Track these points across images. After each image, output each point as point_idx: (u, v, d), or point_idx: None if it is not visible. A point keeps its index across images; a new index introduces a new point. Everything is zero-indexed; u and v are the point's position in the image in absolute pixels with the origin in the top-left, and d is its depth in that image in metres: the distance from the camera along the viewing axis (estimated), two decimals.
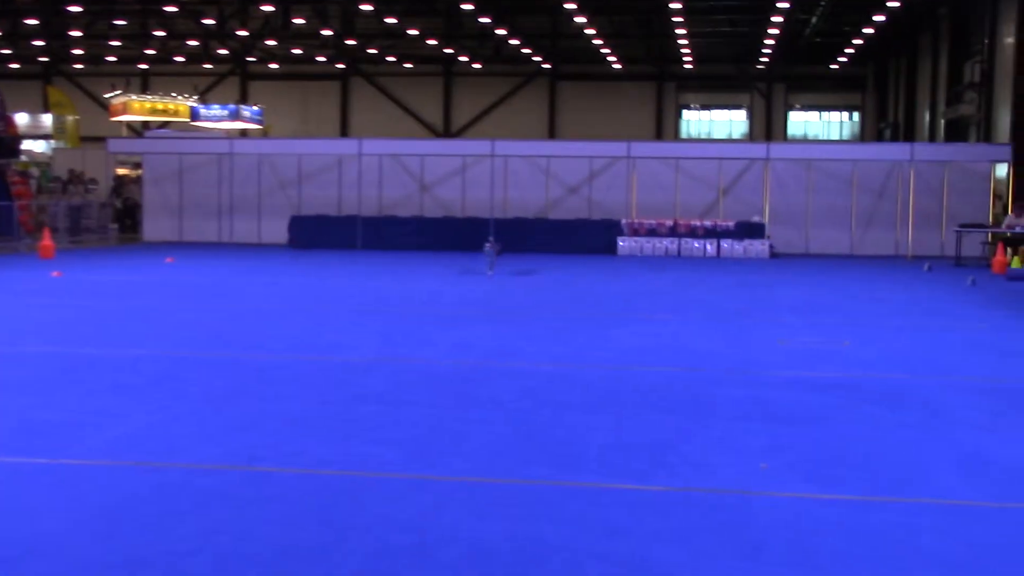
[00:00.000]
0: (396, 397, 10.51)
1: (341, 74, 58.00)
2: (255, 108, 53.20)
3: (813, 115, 59.17)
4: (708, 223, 32.66)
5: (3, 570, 5.68)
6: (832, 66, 53.75)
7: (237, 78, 59.09)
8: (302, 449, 8.33)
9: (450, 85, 57.67)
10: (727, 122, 58.56)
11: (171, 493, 7.14)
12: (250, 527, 6.43)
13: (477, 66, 54.86)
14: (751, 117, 57.90)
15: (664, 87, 56.51)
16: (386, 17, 45.27)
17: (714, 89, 57.80)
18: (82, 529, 6.38)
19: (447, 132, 57.05)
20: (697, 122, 58.58)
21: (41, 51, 56.01)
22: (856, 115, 58.72)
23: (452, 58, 54.45)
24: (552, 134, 55.15)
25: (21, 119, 54.07)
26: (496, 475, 7.66)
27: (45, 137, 53.59)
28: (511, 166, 35.01)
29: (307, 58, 55.44)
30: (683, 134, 57.57)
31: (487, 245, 23.75)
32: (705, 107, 58.68)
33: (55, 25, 51.88)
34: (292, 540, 6.19)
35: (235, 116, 51.98)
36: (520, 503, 7.00)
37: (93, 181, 38.53)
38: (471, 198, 35.24)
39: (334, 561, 5.87)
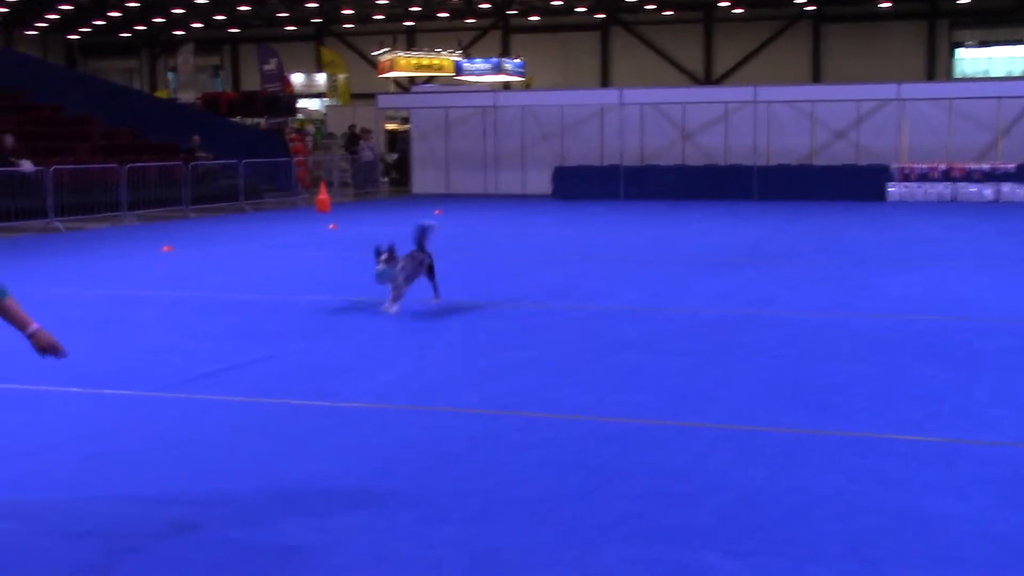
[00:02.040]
0: (657, 346, 10.49)
1: (601, 24, 57.83)
2: (517, 61, 53.68)
3: None
4: (986, 166, 31.14)
5: (286, 504, 5.97)
6: None
7: (499, 32, 59.73)
8: (566, 396, 8.42)
9: (711, 31, 56.68)
10: (1007, 59, 55.36)
11: (441, 436, 7.34)
12: (516, 470, 6.55)
13: (738, 11, 53.78)
14: None
15: (936, 25, 53.93)
16: None
17: (992, 24, 54.70)
18: (360, 467, 6.64)
19: (708, 79, 56.20)
20: (972, 60, 55.64)
21: (314, 13, 58.07)
22: None
23: (712, 3, 53.56)
24: (816, 78, 53.55)
25: (297, 79, 56.50)
26: (762, 424, 7.55)
27: (319, 95, 55.79)
28: (774, 112, 34.26)
29: (567, 9, 55.57)
30: (956, 74, 54.84)
31: (382, 257, 12.10)
32: (983, 43, 55.69)
33: None
34: (557, 484, 6.27)
35: (498, 69, 52.57)
36: (789, 452, 6.87)
37: (367, 136, 39.84)
38: (733, 145, 34.72)
39: (599, 505, 5.91)
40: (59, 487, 6.31)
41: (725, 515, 5.73)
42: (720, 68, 56.54)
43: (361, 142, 38.85)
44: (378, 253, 12.00)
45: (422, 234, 12.80)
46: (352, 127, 40.70)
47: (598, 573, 5.01)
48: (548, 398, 8.34)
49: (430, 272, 12.80)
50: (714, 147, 35.01)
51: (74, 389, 8.48)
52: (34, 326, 6.00)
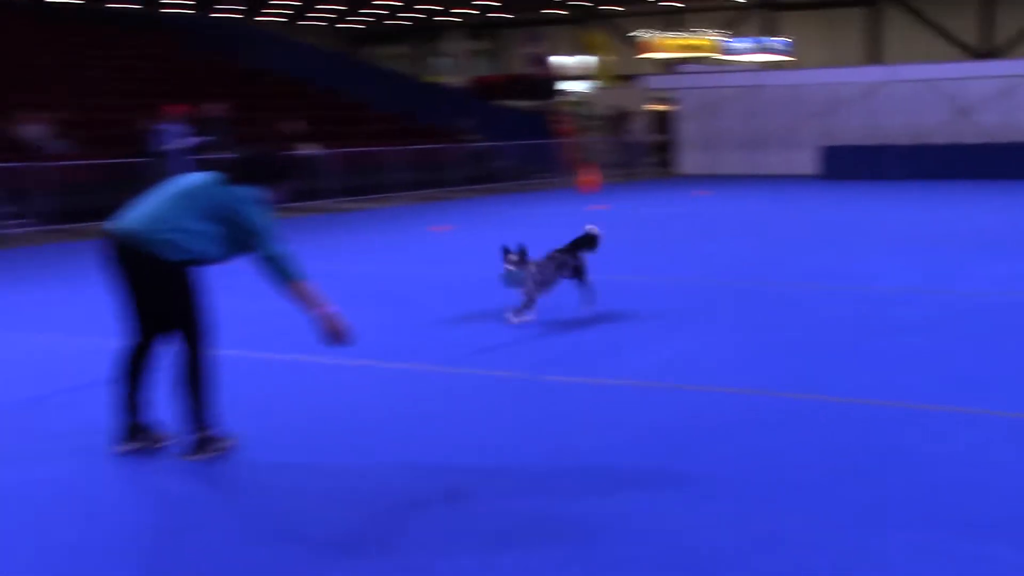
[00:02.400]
0: (933, 329, 10.11)
1: (870, 0, 55.97)
2: (782, 40, 52.60)
3: None
4: None
5: (563, 477, 6.08)
6: None
7: (764, 10, 58.62)
8: (840, 378, 8.24)
9: (991, 1, 53.97)
10: None
11: (715, 416, 7.31)
12: (792, 452, 6.46)
13: None
14: None
15: None
16: None
17: None
18: (634, 444, 6.68)
19: (988, 53, 53.52)
20: None
21: None
22: None
23: None
24: None
25: (562, 61, 56.92)
26: None
27: (585, 77, 56.04)
28: None
29: None
30: None
31: (511, 258, 10.30)
32: None
33: None
34: (833, 467, 6.15)
35: (763, 48, 51.68)
36: None
37: (632, 117, 39.93)
38: (1015, 123, 32.99)
39: (878, 491, 5.75)
40: (350, 452, 6.63)
41: (1010, 506, 5.49)
42: (1001, 40, 53.76)
43: (628, 123, 38.96)
44: (506, 252, 10.21)
45: (585, 240, 10.98)
46: (617, 109, 40.78)
47: (879, 559, 4.90)
48: (822, 380, 8.18)
49: (577, 275, 10.86)
50: (993, 124, 33.36)
51: (363, 362, 8.85)
52: (325, 309, 6.35)
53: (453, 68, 58.70)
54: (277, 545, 5.25)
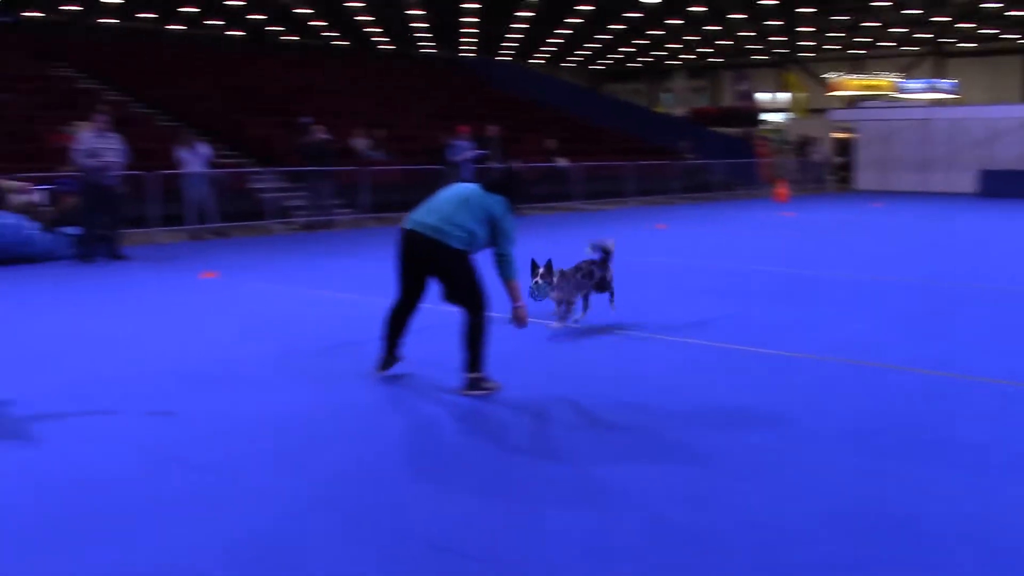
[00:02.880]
0: None
1: None
2: (949, 81, 49.65)
3: None
4: None
5: (711, 421, 5.95)
6: None
7: (933, 57, 55.36)
8: (989, 360, 7.70)
9: None
10: None
11: (867, 385, 6.96)
12: (938, 419, 6.11)
13: None
14: None
15: None
16: None
17: None
18: (790, 402, 6.43)
19: None
20: None
21: (778, 44, 56.63)
22: None
23: None
24: None
25: (763, 97, 55.36)
26: None
27: (781, 110, 54.44)
28: None
29: (995, 37, 50.51)
30: None
31: (539, 272, 8.39)
32: None
33: (790, 23, 52.12)
34: (956, 431, 5.78)
35: (931, 89, 48.96)
36: None
37: (816, 142, 38.58)
38: None
39: (1000, 454, 5.39)
40: (575, 393, 6.60)
41: None
42: None
43: (812, 146, 37.74)
44: (534, 268, 8.47)
45: (605, 252, 9.38)
46: (803, 135, 39.51)
47: (997, 508, 4.59)
48: (968, 362, 7.68)
49: (602, 285, 9.28)
50: None
51: (595, 330, 8.84)
52: (519, 303, 6.70)
53: (676, 101, 57.88)
54: (509, 454, 5.45)
